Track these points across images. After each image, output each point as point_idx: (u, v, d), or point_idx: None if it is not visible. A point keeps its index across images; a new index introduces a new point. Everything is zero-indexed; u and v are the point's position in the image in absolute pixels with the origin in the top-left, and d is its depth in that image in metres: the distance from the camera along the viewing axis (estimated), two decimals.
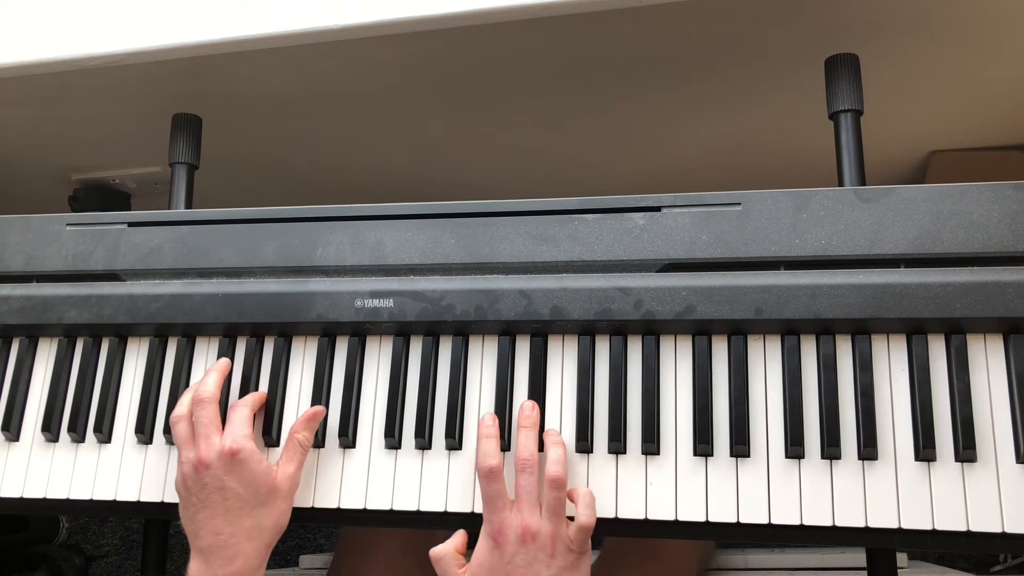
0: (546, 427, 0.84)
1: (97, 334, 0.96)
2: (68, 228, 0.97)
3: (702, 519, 0.79)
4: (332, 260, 0.90)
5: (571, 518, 0.79)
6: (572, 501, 0.80)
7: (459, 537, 0.83)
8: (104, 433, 0.92)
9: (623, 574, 1.09)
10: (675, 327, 0.84)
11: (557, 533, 0.78)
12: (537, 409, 0.84)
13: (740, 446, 0.79)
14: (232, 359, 0.92)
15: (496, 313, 0.85)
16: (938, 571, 1.24)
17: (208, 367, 0.92)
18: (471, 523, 0.83)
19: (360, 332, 0.90)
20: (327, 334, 0.90)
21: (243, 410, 0.86)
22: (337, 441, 0.87)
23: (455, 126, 1.20)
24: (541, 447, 0.82)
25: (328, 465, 0.87)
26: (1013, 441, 0.76)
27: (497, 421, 0.83)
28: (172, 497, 0.89)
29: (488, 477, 0.80)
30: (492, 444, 0.81)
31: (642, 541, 1.10)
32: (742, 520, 0.78)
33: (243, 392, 0.90)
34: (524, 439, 0.81)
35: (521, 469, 0.80)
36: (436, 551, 0.81)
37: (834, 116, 0.92)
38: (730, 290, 0.82)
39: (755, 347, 0.83)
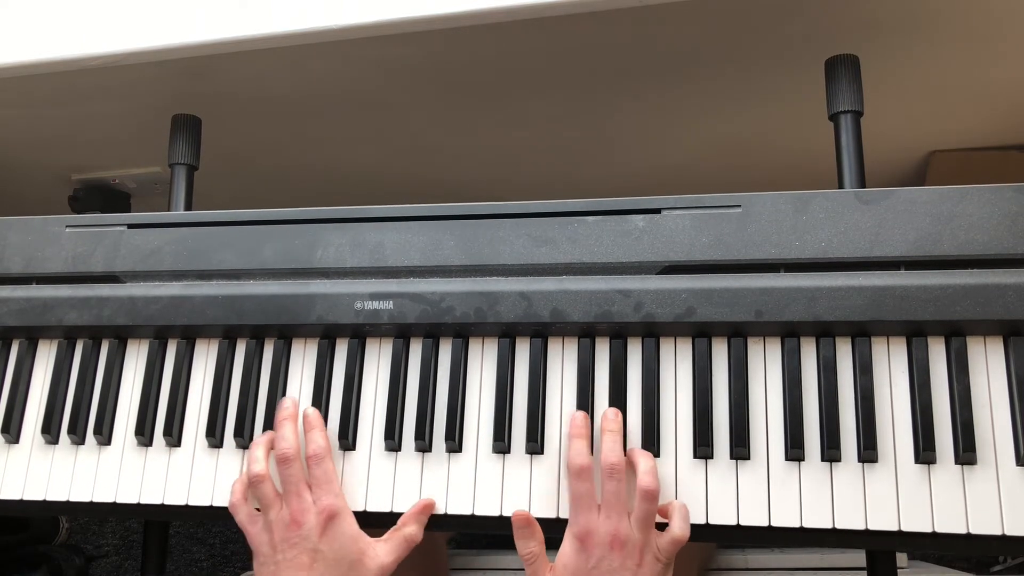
0: (546, 430, 0.84)
1: (97, 336, 0.96)
2: (68, 230, 0.97)
3: (702, 521, 0.79)
4: (332, 262, 0.90)
5: (658, 526, 0.79)
6: (663, 515, 0.79)
7: (539, 531, 0.81)
8: (104, 435, 0.92)
9: None
10: (675, 329, 0.84)
11: (646, 542, 0.77)
12: (621, 416, 0.82)
13: (740, 448, 0.79)
14: (231, 361, 0.92)
15: (496, 315, 0.85)
16: (938, 571, 1.25)
17: (207, 370, 0.92)
18: (471, 525, 0.83)
19: (360, 334, 0.90)
20: (327, 336, 0.90)
21: (328, 463, 0.84)
22: (337, 443, 0.87)
23: (455, 126, 1.20)
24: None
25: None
26: (1013, 443, 0.76)
27: (588, 421, 0.82)
28: (172, 499, 0.89)
29: (579, 475, 0.79)
30: (583, 444, 0.80)
31: None
32: (742, 522, 0.78)
33: (243, 393, 0.90)
34: (611, 444, 0.80)
35: (609, 475, 0.78)
36: (527, 553, 0.80)
37: (834, 117, 0.92)
38: (730, 292, 0.81)
39: (755, 349, 0.83)
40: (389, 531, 0.83)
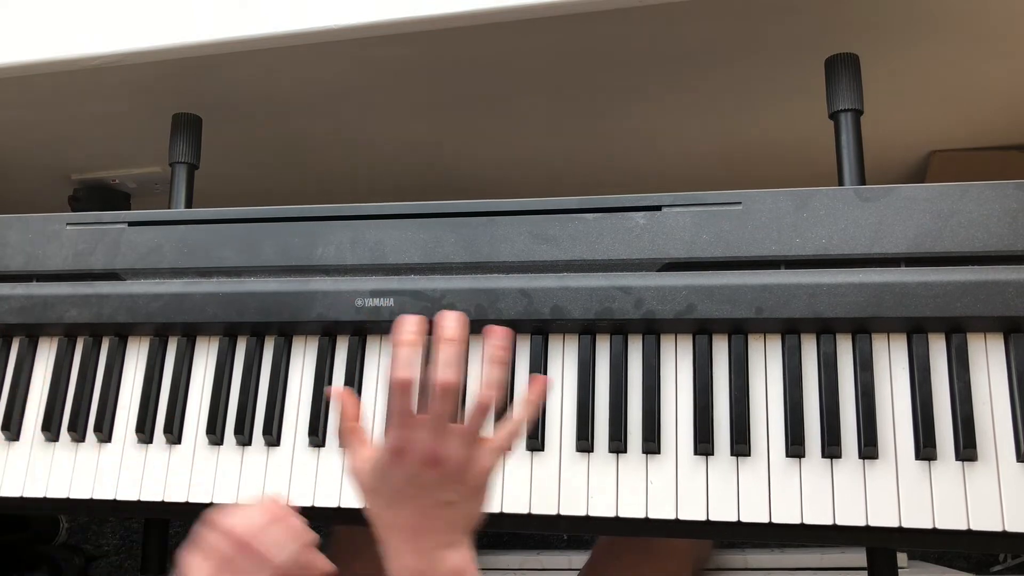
0: (547, 427, 0.84)
1: (97, 333, 0.96)
2: (68, 228, 0.97)
3: (703, 518, 0.79)
4: (332, 259, 0.90)
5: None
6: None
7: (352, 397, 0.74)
8: (104, 432, 0.92)
9: (615, 574, 1.08)
10: (676, 326, 0.84)
11: (471, 458, 0.68)
12: (466, 321, 0.69)
13: (740, 445, 0.79)
14: (232, 359, 0.92)
15: (496, 312, 0.85)
16: (938, 571, 1.24)
17: (207, 367, 0.92)
18: None
19: (360, 331, 0.90)
20: (327, 333, 0.90)
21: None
22: (336, 440, 0.87)
23: (455, 126, 1.20)
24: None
25: (327, 464, 0.87)
26: (1013, 440, 0.76)
27: (423, 327, 0.69)
28: (172, 496, 0.89)
29: (401, 391, 0.67)
30: (411, 352, 0.68)
31: (635, 540, 1.09)
32: (743, 519, 0.78)
33: (244, 390, 0.90)
34: (448, 355, 0.67)
35: (442, 394, 0.66)
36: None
37: (834, 116, 0.92)
38: (731, 289, 0.82)
39: (755, 346, 0.83)
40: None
